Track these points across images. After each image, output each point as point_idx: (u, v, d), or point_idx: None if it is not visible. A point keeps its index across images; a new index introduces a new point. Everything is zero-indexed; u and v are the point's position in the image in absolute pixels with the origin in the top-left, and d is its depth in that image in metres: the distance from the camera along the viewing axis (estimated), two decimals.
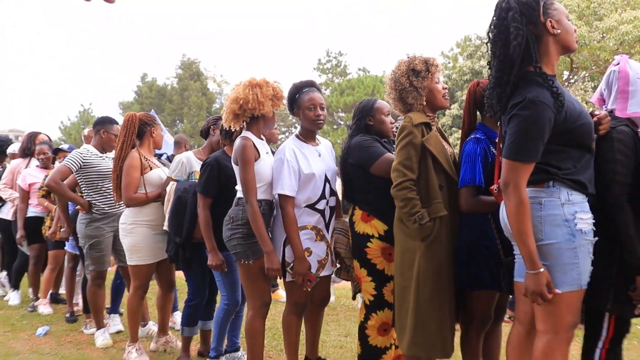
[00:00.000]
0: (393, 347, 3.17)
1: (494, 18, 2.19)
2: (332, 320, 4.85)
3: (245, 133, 3.16)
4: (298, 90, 3.22)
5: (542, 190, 2.15)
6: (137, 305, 3.91)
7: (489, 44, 2.23)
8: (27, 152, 6.01)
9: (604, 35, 18.76)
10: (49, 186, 4.24)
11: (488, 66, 2.27)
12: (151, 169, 3.82)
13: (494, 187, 2.47)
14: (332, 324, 4.76)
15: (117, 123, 4.48)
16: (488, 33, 2.23)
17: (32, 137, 6.04)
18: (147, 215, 3.76)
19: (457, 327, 2.92)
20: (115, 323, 4.68)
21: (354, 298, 3.25)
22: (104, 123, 4.40)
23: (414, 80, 2.82)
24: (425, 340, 2.70)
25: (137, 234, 3.76)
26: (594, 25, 18.81)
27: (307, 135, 3.23)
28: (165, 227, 3.55)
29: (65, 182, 4.32)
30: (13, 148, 6.50)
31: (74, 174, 4.23)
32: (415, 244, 2.70)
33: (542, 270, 2.07)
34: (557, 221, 2.11)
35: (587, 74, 19.68)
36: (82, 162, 4.17)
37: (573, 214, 2.11)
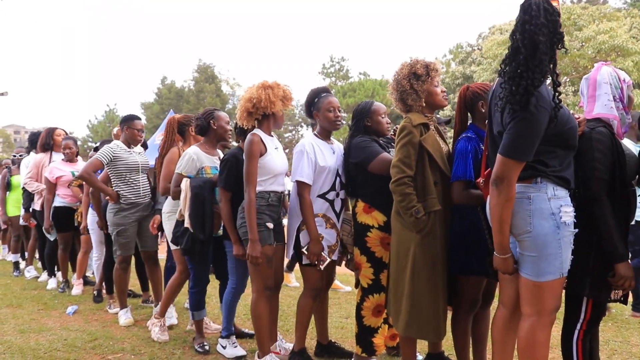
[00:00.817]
0: (385, 326, 3.18)
1: (542, 19, 2.01)
2: (334, 304, 4.85)
3: (255, 130, 3.18)
4: (316, 95, 3.27)
5: (530, 185, 2.15)
6: (177, 286, 3.89)
7: (526, 39, 2.01)
8: (46, 146, 5.95)
9: (583, 44, 18.67)
10: (82, 177, 4.29)
11: (510, 59, 2.07)
12: None
13: (480, 180, 2.46)
14: (334, 306, 4.75)
15: (138, 119, 4.57)
16: (529, 29, 2.01)
17: (51, 132, 6.00)
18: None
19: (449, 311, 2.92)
20: (170, 316, 4.26)
21: (357, 287, 3.24)
22: (126, 121, 4.48)
23: (414, 83, 2.80)
24: (419, 323, 2.70)
25: (173, 222, 3.75)
26: (574, 35, 18.73)
27: (324, 135, 3.28)
28: (187, 225, 3.46)
29: (100, 177, 4.45)
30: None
31: (105, 166, 4.30)
32: (411, 235, 2.70)
33: (510, 254, 2.19)
34: (545, 214, 2.12)
35: (568, 79, 19.58)
36: (112, 156, 4.26)
37: (558, 207, 2.13)
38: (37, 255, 7.01)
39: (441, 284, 2.71)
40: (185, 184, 3.48)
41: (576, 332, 2.40)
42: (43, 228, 5.69)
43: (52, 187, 5.54)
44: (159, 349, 3.68)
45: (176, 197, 3.56)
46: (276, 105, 3.12)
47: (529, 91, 2.01)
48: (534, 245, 2.13)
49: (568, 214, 2.14)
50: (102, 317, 4.63)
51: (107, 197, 4.34)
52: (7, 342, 3.87)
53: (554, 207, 2.12)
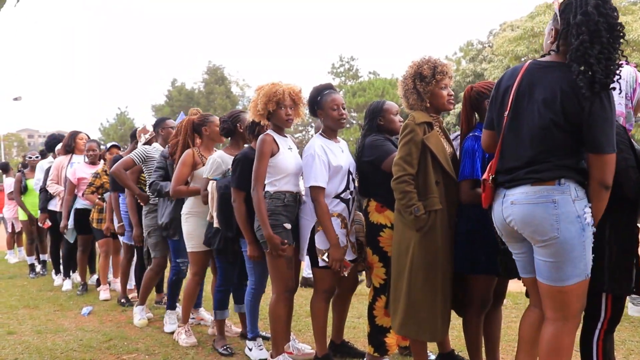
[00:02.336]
0: None
1: (611, 3, 2.03)
2: None
3: (268, 131, 3.20)
4: (319, 92, 3.22)
5: (553, 188, 2.07)
6: (194, 290, 3.88)
7: (606, 22, 1.99)
8: (68, 149, 6.07)
9: None
10: (114, 173, 4.36)
11: (591, 42, 1.98)
12: (204, 164, 3.76)
13: (489, 177, 2.31)
14: None
15: (168, 118, 4.73)
16: (606, 12, 2.00)
17: (74, 136, 6.14)
18: (201, 207, 3.73)
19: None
20: (172, 322, 4.19)
21: (369, 286, 3.25)
22: (159, 123, 4.62)
23: (418, 84, 2.79)
24: (415, 322, 2.70)
25: (190, 223, 3.77)
26: None
27: (330, 134, 3.24)
28: (216, 225, 3.49)
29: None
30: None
31: (142, 165, 4.37)
32: (411, 234, 2.70)
33: None
34: (571, 218, 2.05)
35: None
36: (146, 156, 4.35)
37: (583, 209, 2.07)
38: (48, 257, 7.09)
39: (440, 283, 2.69)
40: (211, 187, 3.51)
41: (597, 332, 2.32)
42: (60, 228, 5.70)
43: (72, 187, 5.57)
44: (172, 349, 3.71)
45: (205, 200, 3.59)
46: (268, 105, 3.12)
47: (618, 73, 2.00)
48: (561, 251, 2.06)
49: (589, 213, 2.09)
50: (116, 317, 4.69)
51: (138, 199, 4.38)
52: (25, 342, 3.94)
53: (579, 209, 2.06)
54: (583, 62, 1.99)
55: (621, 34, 2.01)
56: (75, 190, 5.68)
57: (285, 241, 3.04)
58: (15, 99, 39.17)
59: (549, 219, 2.06)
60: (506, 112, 2.23)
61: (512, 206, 2.16)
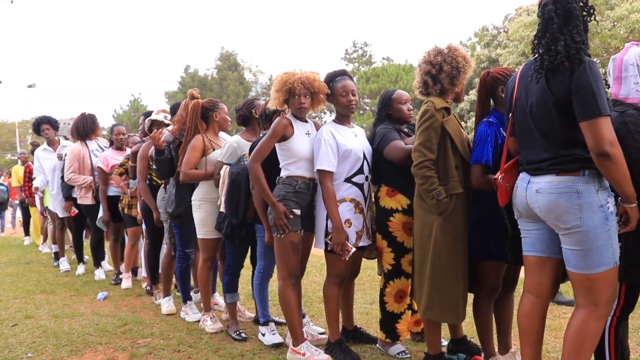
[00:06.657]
0: (408, 312, 3.21)
1: None
2: (359, 290, 4.86)
3: (288, 114, 3.20)
4: (332, 79, 3.21)
5: (578, 178, 2.11)
6: (207, 277, 3.90)
7: (559, 9, 2.10)
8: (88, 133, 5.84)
9: (615, 23, 18.07)
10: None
11: (543, 31, 2.15)
12: (214, 149, 3.76)
13: (498, 176, 2.40)
14: (359, 292, 4.77)
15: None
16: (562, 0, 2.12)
17: (93, 119, 5.96)
18: (213, 194, 3.73)
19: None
20: (195, 311, 4.21)
21: (380, 274, 3.26)
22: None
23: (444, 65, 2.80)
24: (440, 306, 2.72)
25: (203, 210, 3.77)
26: (605, 14, 18.11)
27: (342, 119, 3.23)
28: (222, 209, 3.51)
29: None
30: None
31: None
32: (433, 218, 2.71)
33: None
34: (594, 207, 2.09)
35: (598, 61, 19.05)
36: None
37: (606, 199, 2.11)
38: (66, 246, 7.08)
39: (462, 266, 2.72)
40: (224, 171, 3.52)
41: (609, 318, 2.35)
42: (102, 220, 5.54)
43: (106, 177, 5.42)
44: (186, 334, 3.77)
45: (217, 184, 3.60)
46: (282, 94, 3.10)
47: (568, 46, 2.05)
48: (585, 239, 2.10)
49: (612, 203, 2.13)
50: (131, 302, 4.77)
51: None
52: (42, 326, 4.03)
53: (602, 199, 2.10)
54: (536, 52, 2.18)
55: (583, 13, 2.14)
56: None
57: (294, 211, 3.05)
58: (30, 86, 39.60)
59: (572, 208, 2.10)
60: (510, 114, 2.36)
61: (537, 194, 2.21)
